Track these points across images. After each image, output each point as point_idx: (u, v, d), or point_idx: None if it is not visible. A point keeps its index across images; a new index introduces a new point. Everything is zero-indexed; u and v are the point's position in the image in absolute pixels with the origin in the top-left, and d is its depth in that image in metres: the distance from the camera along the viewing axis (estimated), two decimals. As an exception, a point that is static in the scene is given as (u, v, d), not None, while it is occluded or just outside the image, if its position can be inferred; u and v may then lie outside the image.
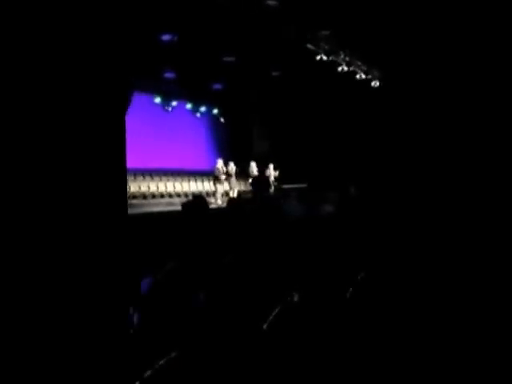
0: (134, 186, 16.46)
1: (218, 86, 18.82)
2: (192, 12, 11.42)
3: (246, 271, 3.32)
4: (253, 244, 3.75)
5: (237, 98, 19.86)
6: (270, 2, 11.70)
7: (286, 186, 16.81)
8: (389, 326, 2.79)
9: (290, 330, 2.56)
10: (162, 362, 2.18)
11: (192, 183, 18.77)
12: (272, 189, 17.27)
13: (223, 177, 16.74)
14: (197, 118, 21.06)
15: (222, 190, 17.09)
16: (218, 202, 16.29)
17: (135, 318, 3.30)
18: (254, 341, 2.49)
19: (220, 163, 16.76)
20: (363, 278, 3.10)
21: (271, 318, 2.53)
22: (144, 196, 16.56)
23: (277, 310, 2.57)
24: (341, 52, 15.29)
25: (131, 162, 18.06)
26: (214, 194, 16.69)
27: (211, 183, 17.71)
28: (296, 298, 2.69)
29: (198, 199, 4.18)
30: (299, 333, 2.57)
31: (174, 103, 19.36)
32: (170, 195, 17.43)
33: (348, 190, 9.98)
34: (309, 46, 14.41)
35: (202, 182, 18.77)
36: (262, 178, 17.28)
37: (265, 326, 2.50)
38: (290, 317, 2.60)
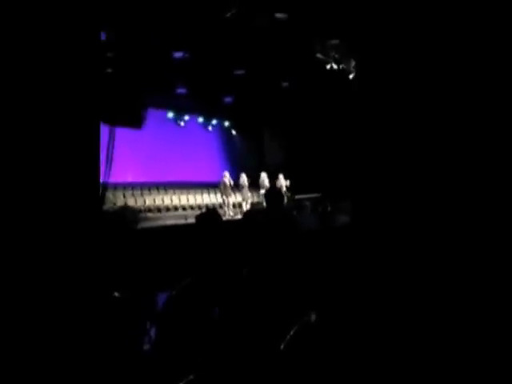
0: (148, 200, 16.60)
1: (229, 99, 18.94)
2: (202, 27, 11.55)
3: (262, 286, 3.35)
4: (268, 257, 3.76)
5: (248, 111, 19.96)
6: (279, 15, 11.79)
7: (299, 197, 16.81)
8: (412, 348, 2.78)
9: (308, 350, 2.56)
10: None
11: (205, 196, 18.86)
12: (285, 199, 17.25)
13: (230, 189, 16.75)
14: (209, 131, 21.20)
15: (233, 201, 17.13)
16: (230, 213, 16.33)
17: (152, 334, 3.34)
18: (271, 361, 2.50)
19: (226, 176, 16.78)
20: (382, 293, 3.11)
21: (288, 337, 2.54)
22: (158, 209, 16.67)
23: (294, 330, 2.58)
24: (351, 60, 15.30)
25: (145, 176, 18.25)
26: (224, 205, 16.71)
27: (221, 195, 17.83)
28: (313, 317, 2.69)
29: (211, 211, 4.22)
30: (317, 353, 2.57)
31: (186, 117, 19.53)
32: (184, 208, 17.52)
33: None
34: (318, 55, 14.46)
35: (215, 194, 18.85)
36: (275, 188, 17.28)
37: (282, 346, 2.51)
38: (307, 337, 2.60)
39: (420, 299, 3.17)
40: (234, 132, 22.12)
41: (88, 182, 4.38)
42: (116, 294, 3.52)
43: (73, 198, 3.78)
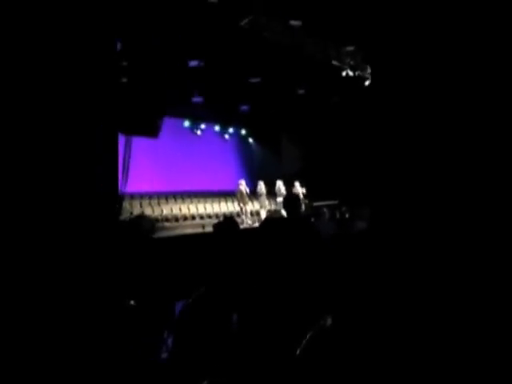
0: (165, 209, 16.63)
1: (245, 107, 18.97)
2: (217, 35, 11.59)
3: (279, 292, 3.32)
4: (285, 264, 3.74)
5: (264, 118, 19.97)
6: (294, 22, 11.80)
7: (316, 204, 16.75)
8: (431, 355, 2.73)
9: (324, 355, 2.54)
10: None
11: (222, 204, 18.85)
12: (303, 207, 17.19)
13: (247, 197, 16.74)
14: (225, 139, 21.24)
15: (250, 209, 17.12)
16: (248, 221, 16.31)
17: (169, 342, 3.32)
18: (288, 366, 2.48)
19: (242, 184, 16.78)
20: (399, 298, 3.06)
21: (304, 342, 2.51)
22: (176, 218, 16.68)
23: (310, 334, 2.55)
24: (367, 66, 15.26)
25: (162, 185, 18.29)
26: (242, 214, 16.68)
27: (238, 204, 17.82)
28: (329, 322, 2.66)
29: (229, 220, 4.21)
30: (333, 358, 2.54)
31: (203, 126, 19.60)
32: (201, 217, 17.52)
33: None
34: (334, 62, 14.44)
35: (232, 202, 18.83)
36: (293, 196, 17.21)
37: (298, 351, 2.48)
38: (323, 341, 2.57)
39: (439, 306, 3.11)
40: (250, 140, 22.15)
41: (106, 191, 4.38)
42: (132, 302, 3.51)
43: (90, 206, 3.78)
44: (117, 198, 5.18)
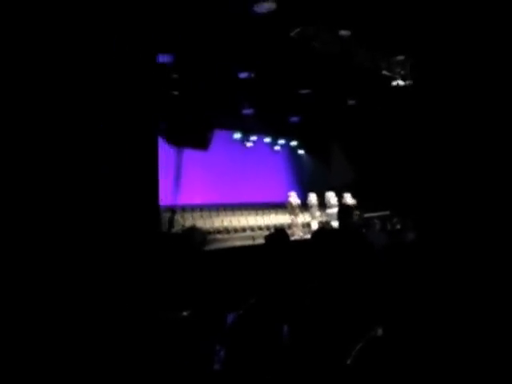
0: (217, 221, 16.74)
1: (295, 119, 18.97)
2: (266, 48, 11.65)
3: (330, 303, 3.29)
4: (337, 275, 3.71)
5: (314, 129, 19.93)
6: (343, 32, 11.76)
7: (367, 215, 16.56)
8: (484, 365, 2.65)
9: (375, 366, 2.50)
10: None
11: (273, 216, 18.84)
12: (355, 218, 16.94)
13: (297, 209, 16.69)
14: (276, 151, 21.27)
15: (301, 221, 17.05)
16: (300, 233, 16.24)
17: (222, 353, 3.32)
18: (338, 377, 2.45)
19: (292, 195, 16.75)
20: (450, 309, 3.00)
21: (355, 353, 2.48)
22: (227, 230, 16.76)
23: (361, 345, 2.52)
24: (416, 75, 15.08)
25: (213, 197, 18.43)
26: (293, 225, 16.62)
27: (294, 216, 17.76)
28: (380, 333, 2.62)
29: (279, 231, 4.21)
30: (383, 369, 2.50)
31: (253, 138, 19.68)
32: (252, 229, 17.55)
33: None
34: (384, 72, 14.32)
35: (283, 214, 18.82)
36: (347, 207, 17.06)
37: (349, 361, 2.46)
38: (374, 352, 2.54)
39: (490, 315, 3.03)
40: (301, 151, 22.12)
41: (148, 204, 4.44)
42: (185, 313, 3.53)
43: (131, 218, 3.83)
44: (157, 210, 5.24)
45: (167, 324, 3.30)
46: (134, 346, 3.11)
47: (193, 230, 5.51)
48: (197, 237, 5.02)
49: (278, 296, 3.39)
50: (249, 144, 19.67)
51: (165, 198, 11.83)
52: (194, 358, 3.39)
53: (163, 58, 10.72)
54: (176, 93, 12.37)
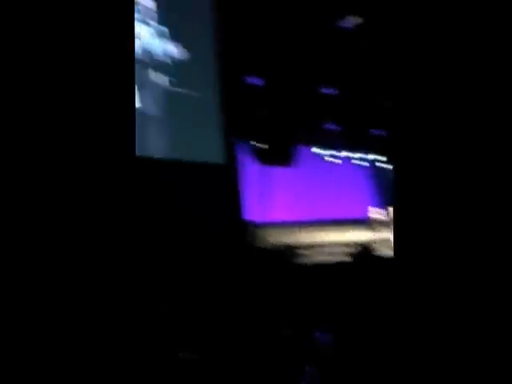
0: (301, 237, 16.69)
1: (378, 132, 18.76)
2: (349, 62, 11.60)
3: (421, 321, 3.17)
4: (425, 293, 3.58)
5: (398, 143, 19.60)
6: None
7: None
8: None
9: None
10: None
11: (356, 232, 18.60)
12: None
13: (379, 224, 16.43)
14: (358, 166, 21.06)
15: (384, 237, 16.75)
16: (382, 249, 15.93)
17: (309, 372, 3.26)
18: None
19: (373, 211, 16.51)
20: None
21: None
22: (310, 247, 16.66)
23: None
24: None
25: (296, 213, 18.41)
26: (375, 241, 16.37)
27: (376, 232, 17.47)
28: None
29: (363, 248, 4.17)
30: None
31: (336, 153, 19.59)
32: (335, 245, 17.38)
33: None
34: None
35: (366, 230, 18.54)
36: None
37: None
38: None
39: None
40: (384, 166, 21.80)
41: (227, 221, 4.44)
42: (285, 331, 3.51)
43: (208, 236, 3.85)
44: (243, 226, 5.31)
45: (261, 343, 3.29)
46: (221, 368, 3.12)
47: (278, 246, 5.54)
48: (283, 253, 5.03)
49: (366, 315, 3.31)
50: (332, 159, 19.59)
51: (252, 214, 11.91)
52: (282, 377, 3.35)
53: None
54: (261, 112, 12.51)
